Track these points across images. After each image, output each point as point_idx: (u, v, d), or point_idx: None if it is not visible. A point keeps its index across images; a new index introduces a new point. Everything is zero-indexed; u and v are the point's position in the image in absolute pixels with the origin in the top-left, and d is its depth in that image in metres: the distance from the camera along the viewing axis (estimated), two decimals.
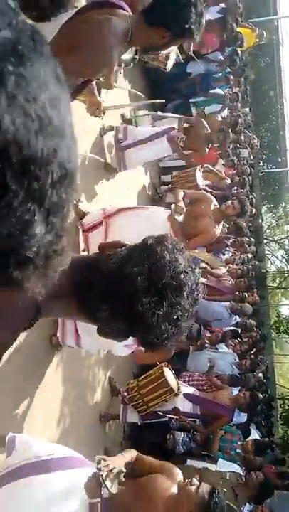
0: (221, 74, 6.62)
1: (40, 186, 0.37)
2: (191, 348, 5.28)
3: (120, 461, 2.15)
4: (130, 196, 5.75)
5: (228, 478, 3.83)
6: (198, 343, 5.20)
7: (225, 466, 4.12)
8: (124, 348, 2.79)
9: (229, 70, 6.66)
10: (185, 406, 4.42)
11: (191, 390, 4.55)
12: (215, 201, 3.89)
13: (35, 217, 0.38)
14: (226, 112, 6.82)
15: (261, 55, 14.40)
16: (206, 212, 3.74)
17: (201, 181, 6.00)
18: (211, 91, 6.63)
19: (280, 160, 15.83)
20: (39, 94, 0.36)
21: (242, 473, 3.94)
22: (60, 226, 0.41)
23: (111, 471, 1.85)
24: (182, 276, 0.84)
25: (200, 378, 4.96)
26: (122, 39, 1.73)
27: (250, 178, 6.73)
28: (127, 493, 1.95)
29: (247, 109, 7.53)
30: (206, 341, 5.28)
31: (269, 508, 3.95)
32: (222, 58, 6.55)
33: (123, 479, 1.88)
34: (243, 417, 5.00)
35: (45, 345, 3.33)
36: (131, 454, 2.25)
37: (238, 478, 3.85)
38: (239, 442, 4.47)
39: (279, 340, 16.63)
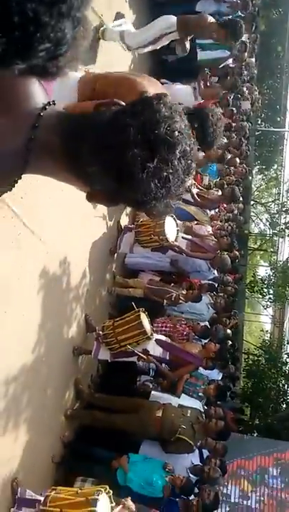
0: (231, 17, 6.25)
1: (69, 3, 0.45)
2: (164, 301, 5.26)
3: None
4: None
5: (188, 415, 4.08)
6: (173, 299, 5.18)
7: (187, 401, 4.36)
8: None
9: (240, 13, 6.29)
10: (155, 350, 4.58)
11: (163, 337, 4.72)
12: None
13: (66, 31, 0.47)
14: (230, 61, 6.52)
15: (274, 5, 13.59)
16: None
17: None
18: None
19: (278, 119, 15.43)
20: None
21: (202, 411, 4.19)
22: (83, 14, 0.49)
23: None
24: (177, 134, 0.80)
25: (172, 325, 5.10)
26: None
27: (247, 133, 6.57)
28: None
29: (253, 60, 7.21)
30: (181, 298, 5.23)
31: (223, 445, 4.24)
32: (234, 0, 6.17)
33: None
34: (215, 374, 5.22)
35: (26, 276, 3.35)
36: None
37: (198, 416, 4.10)
38: (203, 386, 4.71)
39: (251, 300, 17.18)
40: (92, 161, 0.82)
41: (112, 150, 0.79)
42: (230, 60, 6.30)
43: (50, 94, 0.98)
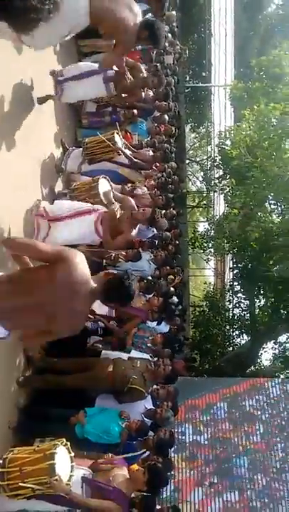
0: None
1: None
2: (104, 261, 5.32)
3: None
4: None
5: (138, 366, 4.32)
6: (113, 258, 5.27)
7: (136, 355, 4.59)
8: None
9: None
10: (102, 309, 4.72)
11: None
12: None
13: None
14: (149, 15, 6.38)
15: None
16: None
17: None
18: None
19: (204, 75, 15.46)
20: None
21: (151, 360, 4.45)
22: None
23: None
24: None
25: None
26: None
27: (174, 89, 6.57)
28: None
29: (173, 13, 7.10)
30: (120, 257, 5.30)
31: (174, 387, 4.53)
32: None
33: None
34: (163, 327, 5.45)
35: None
36: None
37: (147, 365, 4.35)
38: (150, 337, 4.96)
39: (195, 256, 17.84)
40: None
41: None
42: (149, 15, 6.18)
43: None
